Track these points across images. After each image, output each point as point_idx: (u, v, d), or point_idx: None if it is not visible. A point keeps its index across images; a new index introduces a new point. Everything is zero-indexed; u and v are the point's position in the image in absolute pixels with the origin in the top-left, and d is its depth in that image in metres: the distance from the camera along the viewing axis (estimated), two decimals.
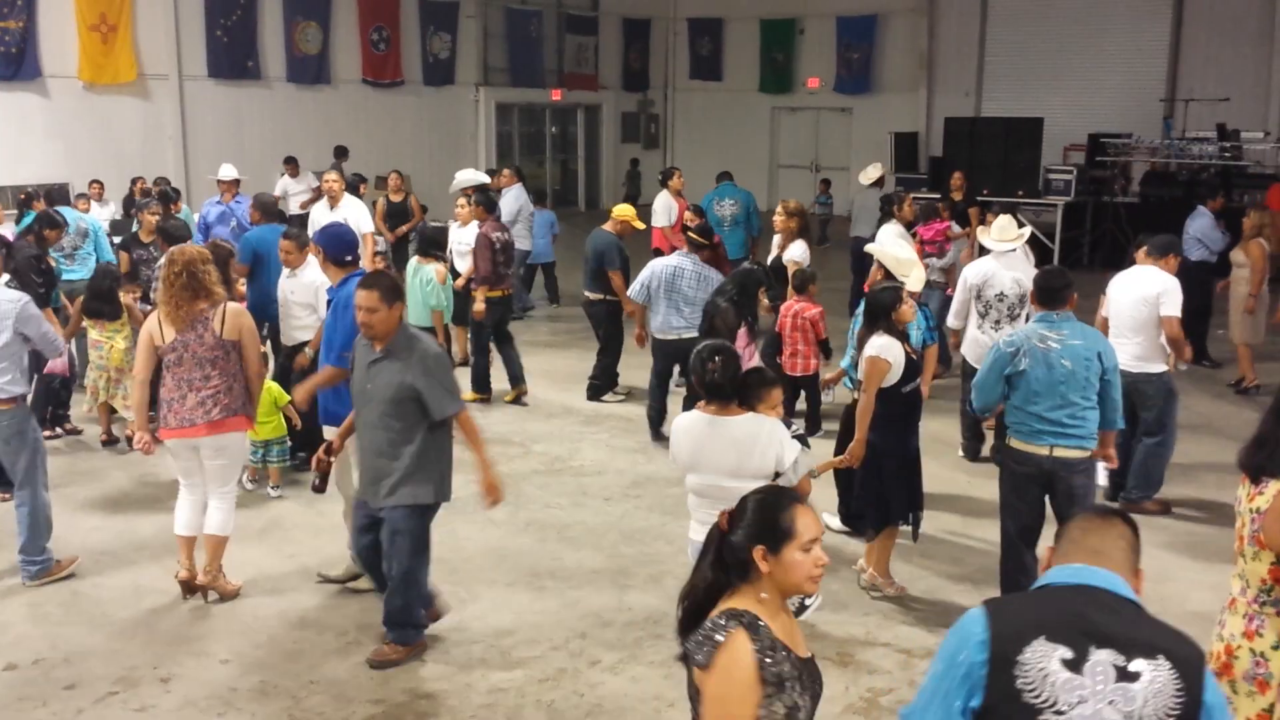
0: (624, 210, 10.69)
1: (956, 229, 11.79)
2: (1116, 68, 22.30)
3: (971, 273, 8.51)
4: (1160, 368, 7.62)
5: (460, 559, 6.92)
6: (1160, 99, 21.44)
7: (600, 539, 7.29)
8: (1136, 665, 2.55)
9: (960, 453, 8.85)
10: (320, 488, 6.05)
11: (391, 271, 10.01)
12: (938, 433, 9.32)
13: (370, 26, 21.89)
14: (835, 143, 26.44)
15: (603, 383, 10.41)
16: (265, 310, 8.52)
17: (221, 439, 6.15)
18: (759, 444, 4.92)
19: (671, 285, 8.92)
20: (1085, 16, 22.56)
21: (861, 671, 5.56)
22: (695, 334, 8.45)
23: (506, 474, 8.38)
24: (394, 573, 5.49)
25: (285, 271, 8.14)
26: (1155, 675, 2.54)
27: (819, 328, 8.79)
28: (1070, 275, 6.02)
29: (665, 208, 12.91)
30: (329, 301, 6.75)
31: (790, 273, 9.28)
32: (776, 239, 10.27)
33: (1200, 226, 11.83)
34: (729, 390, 4.99)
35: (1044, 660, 2.58)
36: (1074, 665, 2.56)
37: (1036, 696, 2.57)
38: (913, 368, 6.40)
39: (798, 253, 9.80)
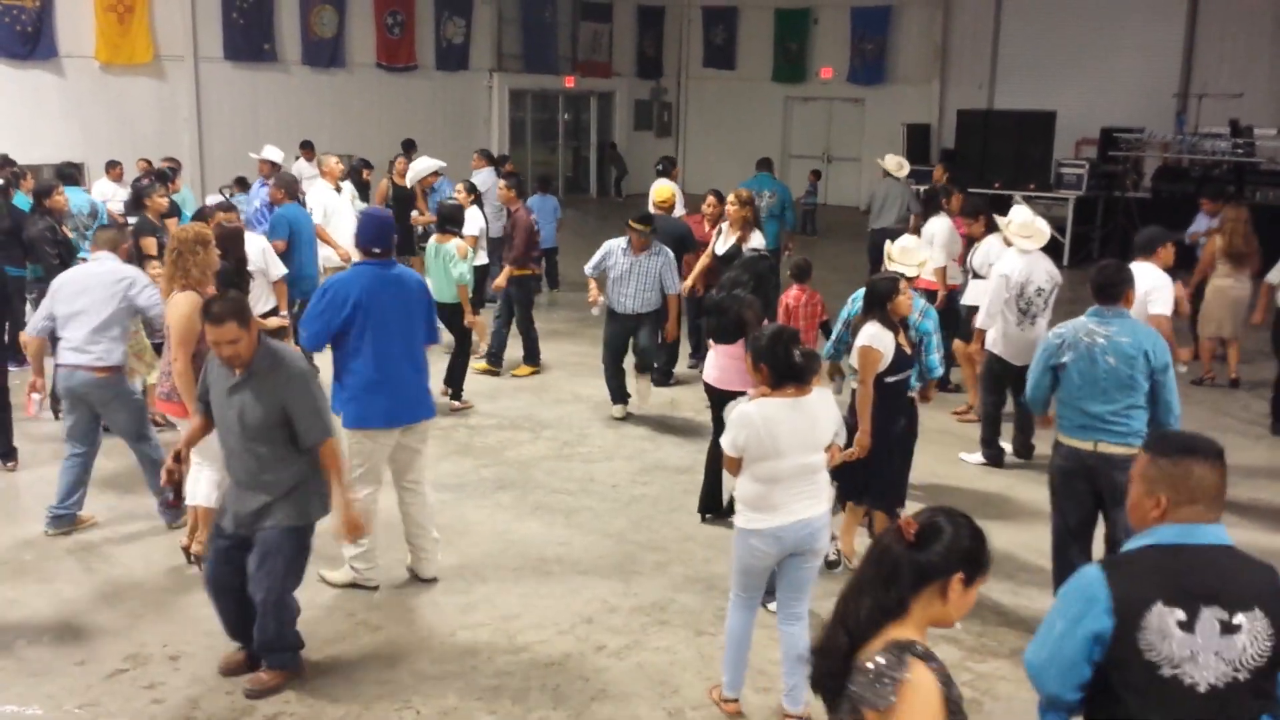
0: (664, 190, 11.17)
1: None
2: (1130, 62, 22.22)
3: (1013, 270, 8.29)
4: None
5: (468, 543, 6.98)
6: (1174, 94, 21.39)
7: (607, 525, 7.35)
8: (1238, 619, 2.91)
9: (1010, 449, 8.72)
10: (174, 503, 6.13)
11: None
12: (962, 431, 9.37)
13: (385, 10, 21.94)
14: (847, 133, 26.42)
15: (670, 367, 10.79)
16: (298, 285, 8.72)
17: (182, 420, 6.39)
18: (830, 415, 5.00)
19: (631, 264, 9.25)
20: (1099, 10, 22.49)
21: None
22: (655, 308, 9.33)
23: (515, 459, 8.52)
24: (265, 598, 5.11)
25: None
26: (1253, 626, 2.92)
27: (822, 309, 8.77)
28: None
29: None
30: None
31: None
32: (724, 227, 10.10)
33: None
34: (811, 372, 4.99)
35: (1163, 623, 2.92)
36: (1187, 626, 2.92)
37: (1156, 655, 2.93)
38: (903, 360, 6.44)
39: (759, 241, 9.82)
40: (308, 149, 17.08)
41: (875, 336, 6.36)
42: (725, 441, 4.89)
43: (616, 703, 5.25)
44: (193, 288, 6.31)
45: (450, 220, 10.06)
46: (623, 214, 12.56)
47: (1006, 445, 8.69)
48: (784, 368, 4.86)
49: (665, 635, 5.87)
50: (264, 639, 5.23)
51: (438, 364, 9.91)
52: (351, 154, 16.21)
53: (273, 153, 13.55)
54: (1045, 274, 8.28)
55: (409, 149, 17.94)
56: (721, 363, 7.07)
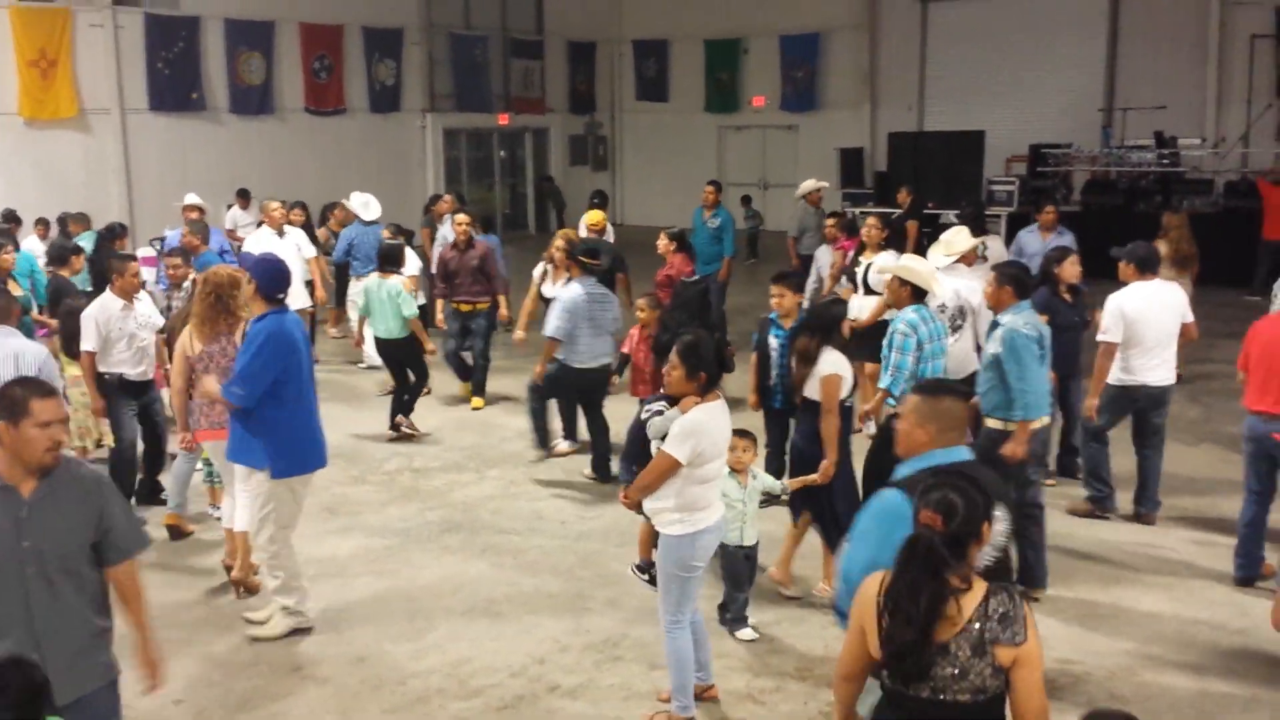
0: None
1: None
2: (1055, 79, 22.63)
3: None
4: None
5: (416, 588, 6.87)
6: (1099, 109, 21.78)
7: (557, 563, 7.27)
8: (997, 513, 3.47)
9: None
10: None
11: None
12: None
13: (313, 55, 21.84)
14: (782, 160, 26.60)
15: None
16: None
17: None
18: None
19: (591, 313, 8.78)
20: (1023, 30, 22.90)
21: (821, 685, 5.56)
22: (608, 360, 8.91)
23: (462, 500, 8.42)
24: None
25: None
26: (1002, 514, 3.67)
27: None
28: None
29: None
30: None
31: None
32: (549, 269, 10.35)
33: (1026, 242, 11.32)
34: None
35: None
36: None
37: None
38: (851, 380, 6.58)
39: (580, 286, 9.86)
40: (243, 197, 16.91)
41: (837, 364, 6.39)
42: (680, 452, 4.85)
43: None
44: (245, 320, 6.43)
45: (389, 260, 10.09)
46: None
47: None
48: (718, 373, 5.03)
49: (619, 671, 5.80)
50: None
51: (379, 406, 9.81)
52: (286, 199, 16.04)
53: (194, 199, 13.32)
54: (953, 292, 8.00)
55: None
56: None
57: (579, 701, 5.52)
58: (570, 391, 9.18)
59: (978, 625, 3.12)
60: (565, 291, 8.89)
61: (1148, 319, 7.40)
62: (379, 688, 5.69)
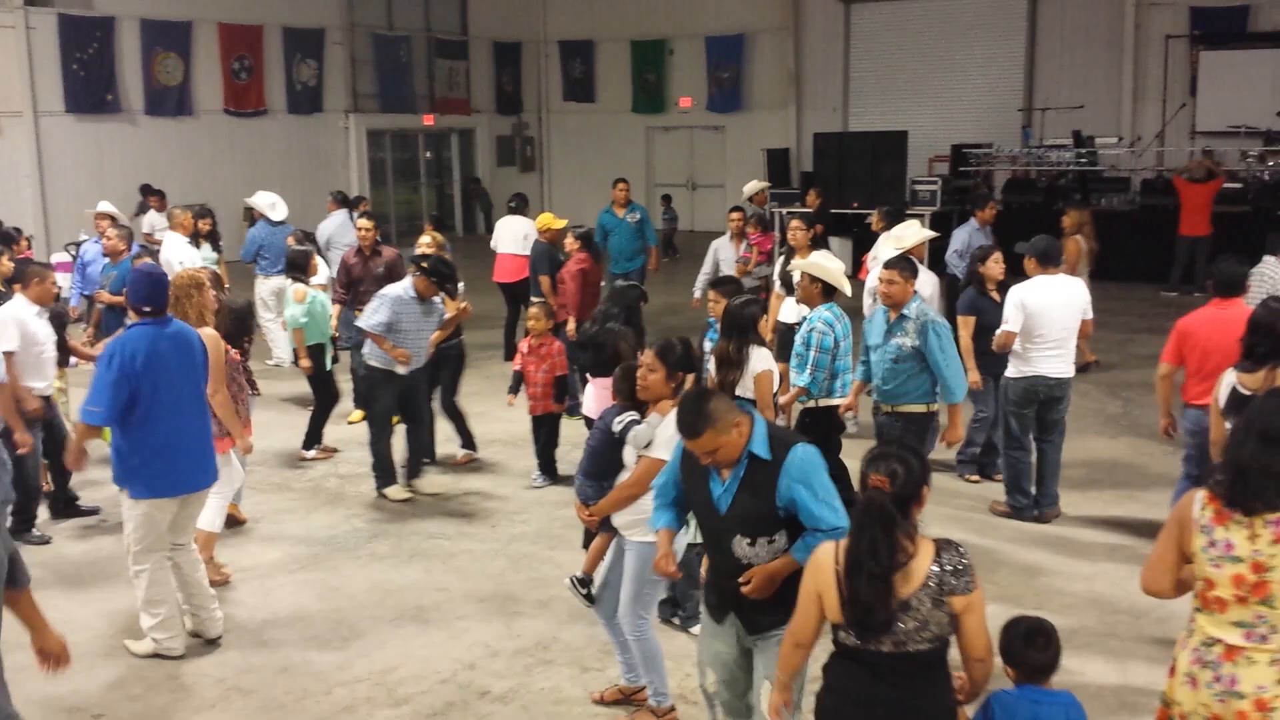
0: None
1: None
2: (976, 80, 23.01)
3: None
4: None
5: (343, 597, 6.76)
6: (1019, 109, 22.16)
7: (487, 567, 7.19)
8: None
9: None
10: None
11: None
12: None
13: (232, 56, 21.49)
14: (710, 161, 26.74)
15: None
16: None
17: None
18: None
19: (416, 314, 8.25)
20: (944, 32, 23.25)
21: None
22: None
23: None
24: None
25: None
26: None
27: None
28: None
29: (523, 235, 12.87)
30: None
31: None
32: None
33: (960, 239, 11.41)
34: None
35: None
36: None
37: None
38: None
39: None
40: (158, 197, 16.54)
41: (767, 360, 6.40)
42: (668, 455, 4.72)
43: None
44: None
45: (295, 266, 9.76)
46: (490, 251, 12.48)
47: None
48: (695, 371, 5.13)
49: (550, 675, 5.75)
50: None
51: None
52: (206, 202, 15.74)
53: (107, 206, 12.99)
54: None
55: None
56: (601, 395, 7.00)
57: (510, 706, 5.46)
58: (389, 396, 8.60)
59: (935, 580, 3.40)
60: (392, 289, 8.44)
61: (1048, 312, 7.46)
62: (304, 698, 5.58)
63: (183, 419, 5.81)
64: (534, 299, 10.00)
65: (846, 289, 7.17)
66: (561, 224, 11.40)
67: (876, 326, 6.99)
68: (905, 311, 6.77)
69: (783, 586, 3.96)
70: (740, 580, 4.03)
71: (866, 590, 3.36)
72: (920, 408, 6.80)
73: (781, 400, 7.18)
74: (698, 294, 11.16)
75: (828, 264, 7.22)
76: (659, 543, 4.41)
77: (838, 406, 7.15)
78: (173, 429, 5.76)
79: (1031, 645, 3.76)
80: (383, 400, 8.43)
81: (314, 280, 10.08)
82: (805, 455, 3.97)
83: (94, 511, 8.05)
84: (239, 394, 7.02)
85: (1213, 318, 6.63)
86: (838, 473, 7.40)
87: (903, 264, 6.92)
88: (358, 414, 10.09)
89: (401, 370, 8.30)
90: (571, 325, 10.15)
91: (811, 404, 7.08)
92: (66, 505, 8.06)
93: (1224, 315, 6.53)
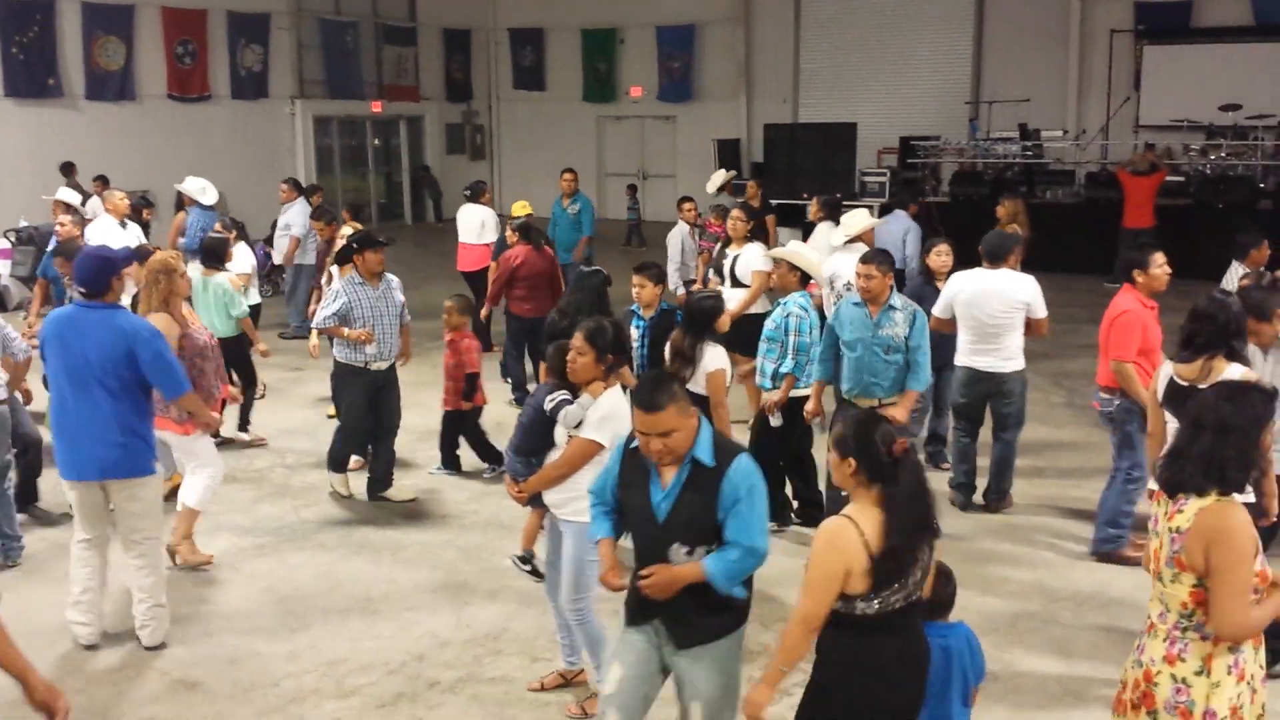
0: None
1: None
2: (924, 73, 23.17)
3: (830, 266, 8.67)
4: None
5: (290, 587, 6.70)
6: (966, 101, 22.33)
7: (437, 557, 7.16)
8: None
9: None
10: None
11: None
12: None
13: (175, 40, 21.12)
14: (661, 150, 26.71)
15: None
16: None
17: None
18: None
19: (369, 298, 7.94)
20: (892, 24, 23.37)
21: None
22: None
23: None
24: None
25: None
26: None
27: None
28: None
29: (480, 222, 12.86)
30: None
31: None
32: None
33: (889, 232, 11.20)
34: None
35: None
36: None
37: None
38: None
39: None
40: (100, 181, 16.26)
41: (720, 358, 6.42)
42: (603, 436, 4.81)
43: None
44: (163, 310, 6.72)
45: (212, 254, 9.40)
46: (440, 239, 12.44)
47: None
48: (621, 357, 5.09)
49: (500, 665, 5.73)
50: None
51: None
52: (147, 189, 15.54)
53: (67, 194, 12.83)
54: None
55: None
56: None
57: (459, 697, 5.44)
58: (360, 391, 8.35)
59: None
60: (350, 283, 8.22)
61: (979, 305, 7.46)
62: (251, 689, 5.52)
63: (86, 405, 5.61)
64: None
65: (821, 277, 7.42)
66: (527, 212, 11.35)
67: (853, 321, 6.81)
68: (893, 303, 6.75)
69: (716, 596, 3.87)
70: (642, 574, 3.91)
71: (912, 538, 3.62)
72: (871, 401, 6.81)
73: (776, 396, 7.15)
74: (674, 286, 11.14)
75: (806, 252, 7.40)
76: (601, 555, 4.31)
77: (805, 398, 7.16)
78: (75, 413, 5.65)
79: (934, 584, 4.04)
80: (349, 395, 8.18)
81: (234, 268, 9.88)
82: (750, 467, 3.91)
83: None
84: (199, 378, 6.87)
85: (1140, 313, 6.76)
86: (806, 468, 7.47)
87: (880, 258, 6.87)
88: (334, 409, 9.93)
89: (371, 353, 7.88)
90: (485, 311, 10.73)
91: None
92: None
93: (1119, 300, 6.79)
